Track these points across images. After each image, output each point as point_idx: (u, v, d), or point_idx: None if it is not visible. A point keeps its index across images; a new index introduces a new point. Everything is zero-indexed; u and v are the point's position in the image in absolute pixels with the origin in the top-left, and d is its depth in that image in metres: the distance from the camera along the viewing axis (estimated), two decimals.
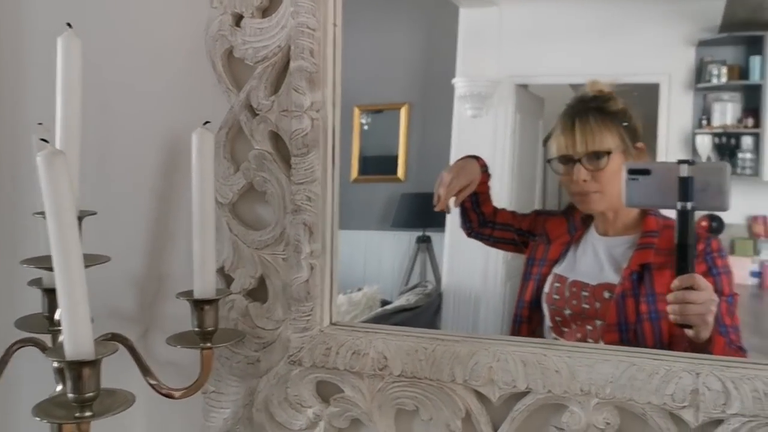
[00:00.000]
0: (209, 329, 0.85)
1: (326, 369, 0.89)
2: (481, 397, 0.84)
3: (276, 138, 0.90)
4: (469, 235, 1.20)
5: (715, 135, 2.57)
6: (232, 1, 0.90)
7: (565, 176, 1.10)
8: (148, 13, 0.97)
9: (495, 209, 1.18)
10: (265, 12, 0.90)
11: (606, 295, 1.03)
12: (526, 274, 1.13)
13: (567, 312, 1.06)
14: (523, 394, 0.82)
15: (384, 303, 2.29)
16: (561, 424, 0.81)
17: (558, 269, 1.10)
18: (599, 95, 1.13)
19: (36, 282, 0.91)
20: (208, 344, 0.86)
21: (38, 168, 0.67)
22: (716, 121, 2.58)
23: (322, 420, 0.90)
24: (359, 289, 1.95)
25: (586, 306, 1.04)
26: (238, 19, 0.90)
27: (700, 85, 2.55)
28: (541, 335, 1.07)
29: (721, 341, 0.92)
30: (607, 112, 1.10)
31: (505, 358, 0.83)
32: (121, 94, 0.99)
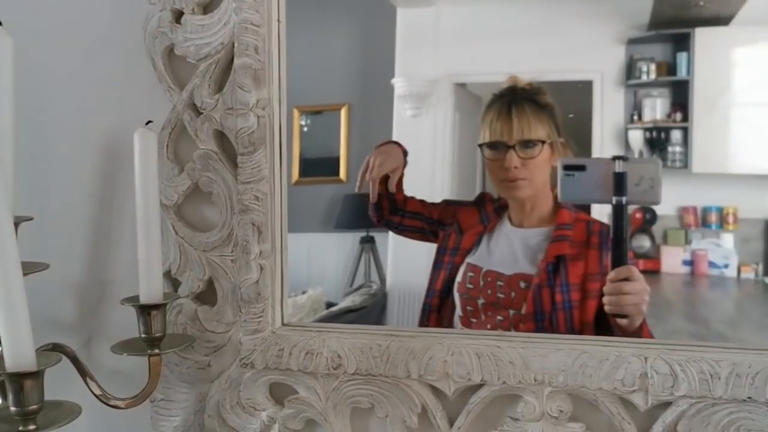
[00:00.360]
0: (157, 335, 0.83)
1: (279, 370, 0.87)
2: (436, 391, 0.84)
3: (221, 137, 0.88)
4: (378, 222, 1.21)
5: (646, 130, 2.66)
6: None
7: (494, 162, 1.12)
8: (83, 10, 0.94)
9: (405, 197, 1.19)
10: (207, 8, 0.88)
11: (522, 285, 1.05)
12: (437, 263, 1.14)
13: (480, 301, 1.07)
14: (478, 386, 0.83)
15: (329, 305, 2.28)
16: (516, 414, 0.82)
17: (471, 259, 1.12)
18: (530, 87, 1.15)
19: None
20: (156, 350, 0.83)
21: None
22: (647, 116, 2.67)
23: (277, 422, 0.88)
24: (303, 292, 1.93)
25: (501, 295, 1.06)
26: (178, 15, 0.88)
27: (631, 82, 2.64)
28: (448, 325, 1.08)
29: (647, 328, 0.96)
30: (539, 104, 1.13)
31: (459, 352, 0.83)
32: (57, 95, 0.95)
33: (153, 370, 0.83)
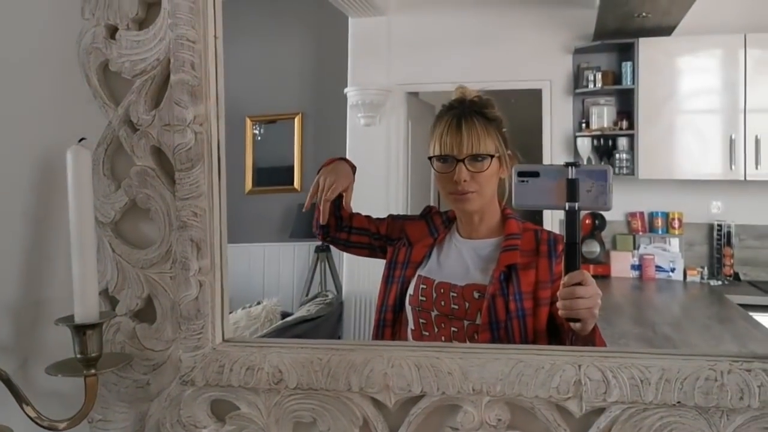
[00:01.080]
0: (93, 355, 0.81)
1: (220, 387, 0.87)
2: (377, 403, 0.85)
3: (158, 153, 0.87)
4: (324, 239, 1.21)
5: (594, 137, 2.71)
6: (104, 12, 0.87)
7: (444, 175, 1.13)
8: (14, 24, 0.92)
9: (351, 213, 1.19)
10: (142, 24, 0.88)
11: (475, 295, 1.06)
12: (389, 278, 1.15)
13: (434, 313, 1.08)
14: (419, 397, 0.84)
15: (284, 315, 2.27)
16: (456, 424, 0.83)
17: (422, 271, 1.13)
18: (479, 100, 1.16)
19: None
20: (92, 371, 0.82)
21: None
22: (594, 123, 2.73)
23: None
24: (258, 303, 1.91)
25: (455, 306, 1.07)
26: (113, 31, 0.87)
27: (579, 90, 2.70)
28: (401, 338, 1.09)
29: (599, 332, 0.97)
30: (488, 118, 1.14)
31: (399, 364, 0.83)
32: None
33: (89, 391, 0.82)
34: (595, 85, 2.80)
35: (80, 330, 0.80)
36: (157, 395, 0.88)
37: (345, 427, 0.85)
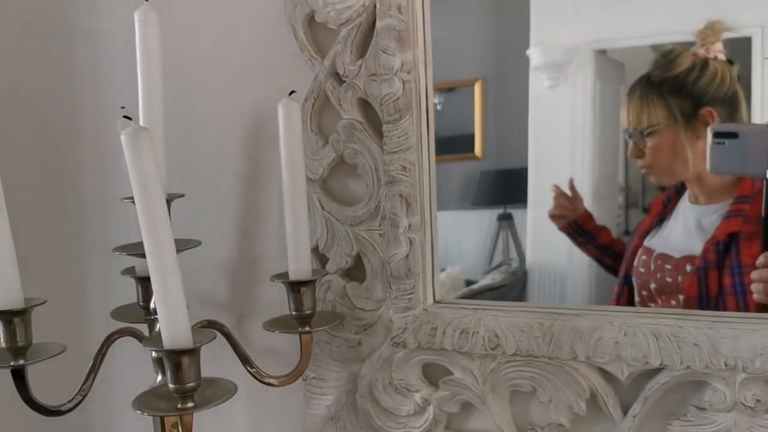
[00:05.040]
0: (307, 312, 0.80)
1: (433, 350, 0.82)
2: (607, 375, 0.76)
3: (365, 105, 0.84)
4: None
5: None
6: None
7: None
8: None
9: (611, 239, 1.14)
10: None
11: (688, 268, 0.94)
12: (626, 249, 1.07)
13: (652, 286, 0.98)
14: (657, 371, 0.74)
15: (468, 283, 2.22)
16: (702, 403, 0.73)
17: (647, 241, 1.03)
18: (661, 59, 1.03)
19: (129, 271, 0.88)
20: (307, 328, 0.81)
21: (123, 146, 0.63)
22: None
23: (431, 404, 0.84)
24: (443, 270, 1.89)
25: (669, 280, 0.96)
26: None
27: None
28: None
29: None
30: (657, 81, 1.01)
31: (633, 332, 0.74)
32: (197, 71, 0.94)
33: (305, 348, 0.81)
34: None
35: (294, 287, 0.80)
36: (369, 356, 0.86)
37: (569, 399, 0.78)
